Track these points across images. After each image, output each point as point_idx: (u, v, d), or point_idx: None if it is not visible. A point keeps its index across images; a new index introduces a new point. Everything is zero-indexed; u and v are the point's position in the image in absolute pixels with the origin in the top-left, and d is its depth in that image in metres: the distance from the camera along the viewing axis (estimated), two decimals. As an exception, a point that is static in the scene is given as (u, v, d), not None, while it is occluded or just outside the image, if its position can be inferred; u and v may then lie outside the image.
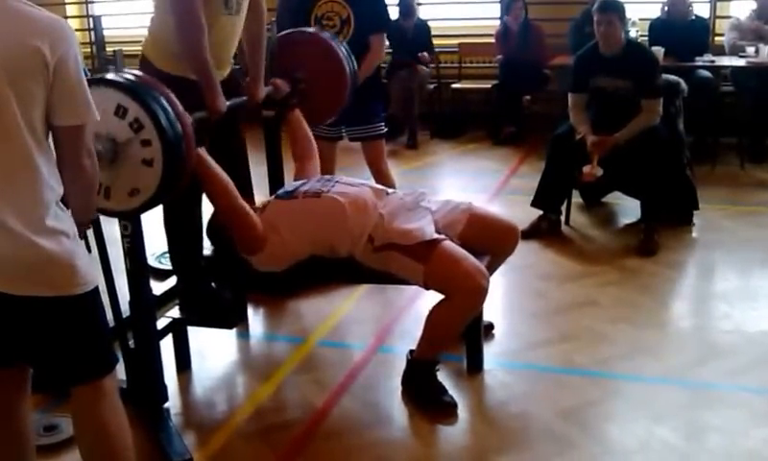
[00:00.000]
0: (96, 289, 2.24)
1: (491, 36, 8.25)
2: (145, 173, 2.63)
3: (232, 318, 3.66)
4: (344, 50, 4.07)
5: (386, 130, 4.84)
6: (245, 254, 3.22)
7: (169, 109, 2.63)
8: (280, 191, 3.45)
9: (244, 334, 3.95)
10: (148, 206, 2.73)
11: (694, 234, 5.15)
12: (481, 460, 2.95)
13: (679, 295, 4.47)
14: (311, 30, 4.26)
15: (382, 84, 4.92)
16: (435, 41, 8.44)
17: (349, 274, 3.38)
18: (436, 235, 3.18)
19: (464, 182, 6.60)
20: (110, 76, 2.65)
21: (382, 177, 4.67)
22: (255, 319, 4.15)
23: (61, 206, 2.16)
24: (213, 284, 3.55)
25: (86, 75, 2.18)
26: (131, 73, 2.70)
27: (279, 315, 4.20)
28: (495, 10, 8.57)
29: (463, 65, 8.78)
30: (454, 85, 8.57)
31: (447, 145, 7.84)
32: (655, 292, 4.34)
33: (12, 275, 2.08)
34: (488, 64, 8.53)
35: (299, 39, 4.11)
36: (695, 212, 5.24)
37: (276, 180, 4.31)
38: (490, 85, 8.25)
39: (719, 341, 3.71)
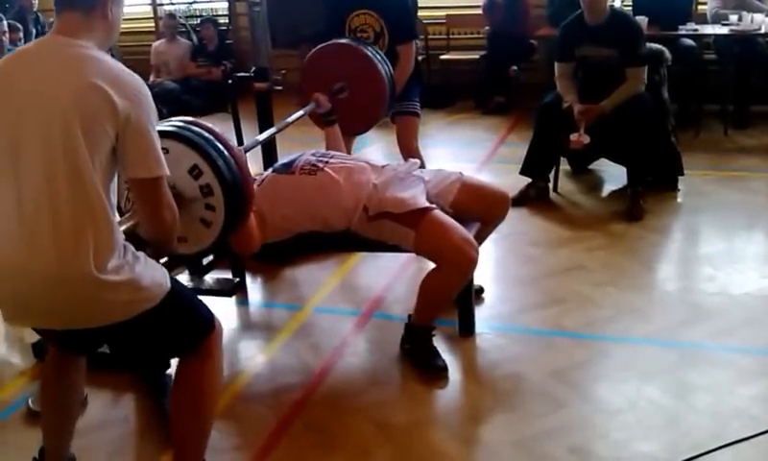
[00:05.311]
0: (170, 289, 2.29)
1: (478, 7, 8.27)
2: (200, 230, 2.64)
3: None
4: (380, 57, 4.12)
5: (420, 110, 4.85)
6: (239, 251, 3.27)
7: (240, 183, 2.61)
8: (277, 165, 3.49)
9: (243, 302, 4.02)
10: (192, 255, 2.75)
11: (679, 199, 5.21)
12: (474, 419, 3.04)
13: (664, 258, 4.52)
14: (344, 41, 4.31)
15: (420, 66, 4.99)
16: (423, 13, 8.45)
17: (344, 243, 3.44)
18: (427, 204, 3.24)
19: (453, 152, 6.63)
20: (191, 134, 2.56)
21: (411, 155, 4.65)
22: (254, 287, 4.20)
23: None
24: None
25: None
26: (212, 133, 2.62)
27: (277, 283, 4.26)
28: (482, -19, 8.58)
29: (451, 37, 8.81)
30: (442, 57, 8.60)
31: (437, 115, 7.87)
32: (641, 256, 4.40)
33: (88, 314, 2.17)
34: (475, 35, 8.57)
35: (334, 51, 4.16)
36: (680, 178, 5.31)
37: (269, 152, 4.37)
38: (478, 56, 8.29)
39: (704, 303, 3.77)
